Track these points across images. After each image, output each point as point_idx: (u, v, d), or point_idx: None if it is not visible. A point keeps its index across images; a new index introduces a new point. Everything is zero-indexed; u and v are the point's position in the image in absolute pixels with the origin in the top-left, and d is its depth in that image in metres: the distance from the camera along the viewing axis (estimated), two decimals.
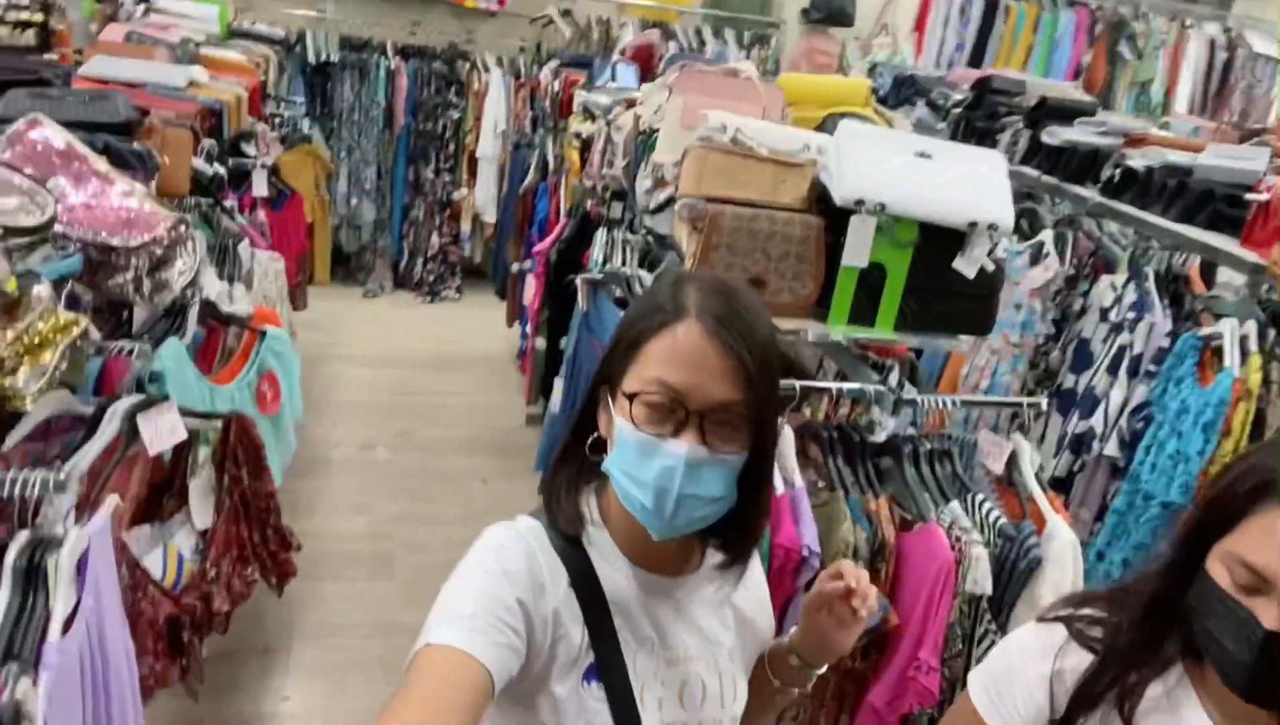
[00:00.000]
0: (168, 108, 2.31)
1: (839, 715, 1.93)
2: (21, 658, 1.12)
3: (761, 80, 2.26)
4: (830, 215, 1.95)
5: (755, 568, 1.24)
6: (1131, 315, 2.90)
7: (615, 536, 1.07)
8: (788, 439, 1.90)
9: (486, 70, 5.80)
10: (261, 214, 2.88)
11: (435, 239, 6.05)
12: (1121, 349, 2.99)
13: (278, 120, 3.58)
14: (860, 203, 1.87)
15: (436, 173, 5.95)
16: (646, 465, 0.96)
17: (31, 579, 1.17)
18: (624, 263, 2.89)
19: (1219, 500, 0.95)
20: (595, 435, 1.05)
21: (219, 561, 1.79)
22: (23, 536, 1.19)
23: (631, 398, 0.97)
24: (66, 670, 1.17)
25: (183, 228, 1.64)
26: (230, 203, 2.49)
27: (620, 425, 0.98)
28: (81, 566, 1.28)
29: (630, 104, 2.87)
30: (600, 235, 3.07)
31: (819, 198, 1.99)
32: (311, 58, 5.48)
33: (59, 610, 1.17)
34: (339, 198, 5.78)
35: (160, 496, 1.80)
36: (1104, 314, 3.04)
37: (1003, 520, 1.79)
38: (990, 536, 1.79)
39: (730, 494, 1.00)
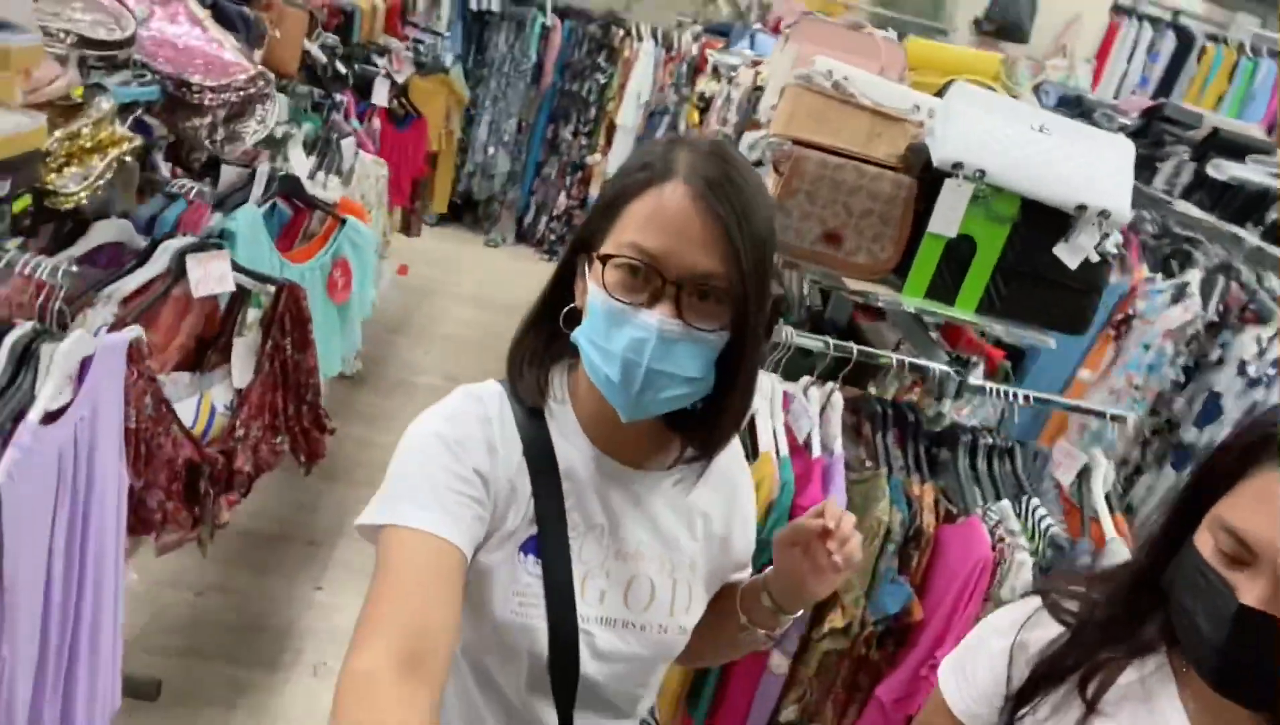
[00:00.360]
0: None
1: (848, 705, 1.80)
2: None
3: (884, 38, 2.13)
4: (926, 182, 1.81)
5: (745, 486, 1.14)
6: (1272, 371, 2.62)
7: (580, 416, 1.00)
8: (836, 406, 1.78)
9: (640, 39, 5.79)
10: (378, 122, 2.94)
11: (563, 199, 6.09)
12: (1254, 406, 2.71)
13: (419, 45, 3.65)
14: (958, 166, 1.72)
15: (574, 134, 5.99)
16: (616, 336, 0.88)
17: (25, 364, 1.19)
18: None
19: (1215, 461, 0.81)
20: (570, 307, 0.97)
21: (249, 423, 1.82)
22: (28, 325, 1.21)
23: (605, 261, 0.89)
24: (39, 460, 1.19)
25: (261, 83, 1.66)
26: (342, 99, 2.54)
27: (592, 292, 0.91)
28: (84, 374, 1.29)
29: (757, 64, 2.77)
30: None
31: (920, 165, 1.85)
32: (474, 4, 5.61)
33: (43, 399, 1.19)
34: (477, 145, 5.90)
35: (206, 349, 1.83)
36: (1242, 367, 2.76)
37: (1055, 529, 1.61)
38: (1039, 545, 1.62)
39: (706, 378, 0.92)
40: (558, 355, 1.02)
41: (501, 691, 1.01)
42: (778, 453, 1.69)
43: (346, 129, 2.59)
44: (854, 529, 1.01)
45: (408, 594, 0.81)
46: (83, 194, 1.31)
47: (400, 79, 3.25)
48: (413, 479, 0.89)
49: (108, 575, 1.47)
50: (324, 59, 2.27)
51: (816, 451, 1.72)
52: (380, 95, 2.96)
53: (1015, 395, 1.76)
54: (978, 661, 0.99)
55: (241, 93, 1.62)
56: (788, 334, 1.73)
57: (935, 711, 1.02)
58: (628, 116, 5.79)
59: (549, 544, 0.96)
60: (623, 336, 0.88)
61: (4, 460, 1.13)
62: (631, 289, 0.88)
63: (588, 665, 0.99)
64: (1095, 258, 1.75)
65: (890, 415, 1.80)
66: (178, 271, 1.62)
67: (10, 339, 1.19)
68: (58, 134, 1.28)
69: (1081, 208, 1.71)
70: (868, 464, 1.79)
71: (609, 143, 5.93)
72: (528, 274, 5.81)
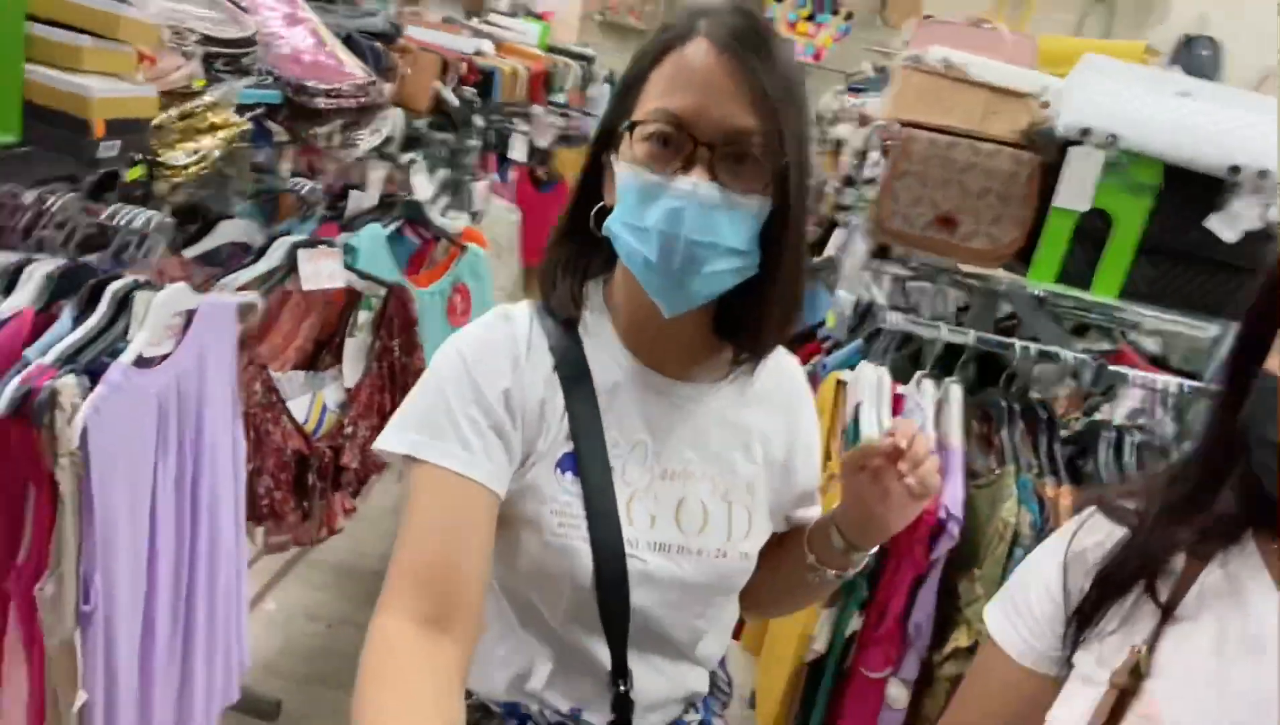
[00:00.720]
0: (436, 50, 2.54)
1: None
2: (78, 362, 1.19)
3: (1012, 33, 2.02)
4: (1055, 165, 1.66)
5: (807, 414, 1.04)
6: None
7: (619, 328, 0.94)
8: (954, 399, 1.62)
9: None
10: (513, 174, 3.05)
11: None
12: None
13: (567, 115, 3.82)
14: (1086, 133, 1.57)
15: None
16: (650, 211, 0.82)
17: (123, 310, 1.27)
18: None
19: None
20: (601, 206, 0.91)
21: (357, 421, 1.86)
22: (130, 277, 1.29)
23: (631, 130, 0.84)
24: (132, 401, 1.24)
25: (374, 91, 1.75)
26: (475, 143, 2.66)
27: (620, 173, 0.85)
28: (186, 328, 1.36)
29: None
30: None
31: (1047, 146, 1.71)
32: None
33: (137, 343, 1.25)
34: None
35: (321, 351, 1.91)
36: None
37: None
38: None
39: (750, 252, 0.84)
40: (593, 269, 0.96)
41: (548, 627, 0.94)
42: None
43: (480, 174, 2.70)
44: (929, 452, 0.89)
45: (434, 545, 0.80)
46: (191, 169, 1.40)
47: (542, 144, 3.39)
48: (437, 408, 0.85)
49: (224, 545, 1.48)
50: (456, 102, 2.40)
51: (930, 443, 1.56)
52: (518, 151, 3.10)
53: (1170, 384, 1.54)
54: (1030, 590, 0.83)
55: (355, 99, 1.72)
56: (892, 319, 1.60)
57: (989, 663, 0.85)
58: None
59: (587, 460, 0.89)
60: (657, 210, 0.81)
61: (92, 394, 1.18)
62: (662, 159, 0.82)
63: (639, 594, 0.90)
64: (1257, 225, 1.53)
65: (1018, 410, 1.61)
66: (289, 266, 1.70)
67: (113, 287, 1.27)
68: (172, 111, 1.38)
69: (1236, 169, 1.51)
70: (995, 470, 1.60)
71: None
72: None
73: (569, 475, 0.89)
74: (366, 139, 1.78)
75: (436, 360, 0.90)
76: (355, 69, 1.76)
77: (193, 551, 1.43)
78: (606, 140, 0.89)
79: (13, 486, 1.21)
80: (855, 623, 1.54)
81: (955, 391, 1.61)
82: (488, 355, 0.88)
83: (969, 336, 1.60)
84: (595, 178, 0.92)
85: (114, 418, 1.21)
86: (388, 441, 0.85)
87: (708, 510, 0.93)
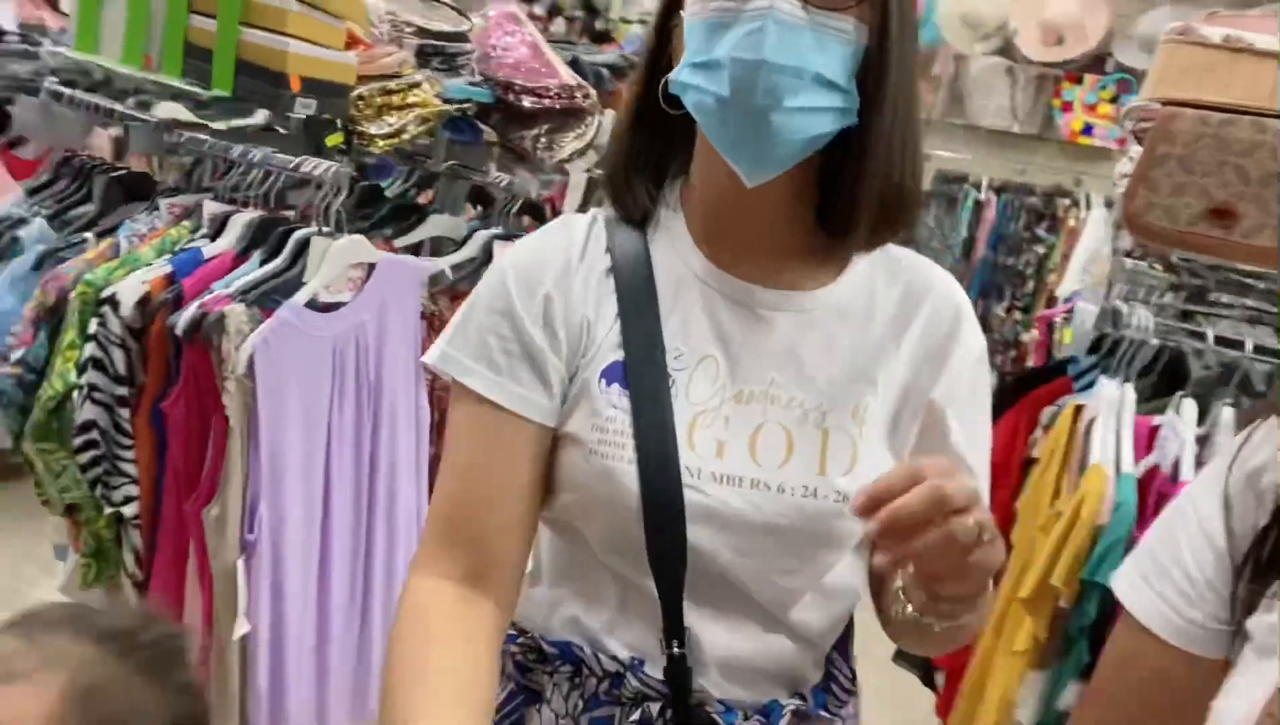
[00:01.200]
0: None
1: None
2: (250, 297, 1.25)
3: None
4: None
5: (967, 336, 0.81)
6: None
7: (694, 227, 0.80)
8: (1224, 425, 1.27)
9: (1088, 207, 5.32)
10: None
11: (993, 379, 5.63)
12: None
13: None
14: None
15: (1008, 310, 5.57)
16: (721, 41, 0.69)
17: (301, 254, 1.33)
18: None
19: None
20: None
21: None
22: (316, 228, 1.36)
23: None
24: (304, 339, 1.28)
25: (581, 95, 1.78)
26: None
27: (687, 19, 0.72)
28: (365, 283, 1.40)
29: None
30: None
31: None
32: None
33: (311, 285, 1.30)
34: None
35: None
36: None
37: None
38: None
39: (846, 91, 0.70)
40: (672, 170, 0.83)
41: (605, 565, 0.80)
42: (1118, 467, 1.23)
43: None
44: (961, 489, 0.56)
45: (464, 485, 0.76)
46: (385, 141, 1.47)
47: None
48: (469, 322, 0.78)
49: (403, 508, 1.49)
50: None
51: (1187, 474, 1.22)
52: None
53: None
54: (1179, 541, 0.58)
55: (560, 100, 1.75)
56: (1140, 319, 1.29)
57: (1127, 646, 0.58)
58: (1070, 286, 5.27)
59: (638, 370, 0.75)
60: (730, 38, 0.68)
61: (262, 326, 1.23)
62: None
63: (699, 533, 0.75)
64: None
65: None
66: (485, 258, 1.73)
67: (297, 234, 1.34)
68: (372, 85, 1.46)
69: None
70: None
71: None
72: None
73: (615, 387, 0.75)
74: (570, 143, 1.79)
75: (491, 275, 0.82)
76: (565, 75, 1.80)
77: (370, 512, 1.44)
78: (672, 4, 0.77)
79: (200, 412, 1.28)
80: (1072, 694, 1.22)
81: (1226, 416, 1.26)
82: (532, 262, 0.79)
83: (1246, 347, 1.25)
84: (662, 50, 0.78)
85: (283, 352, 1.26)
86: (429, 354, 0.79)
87: (793, 440, 0.76)
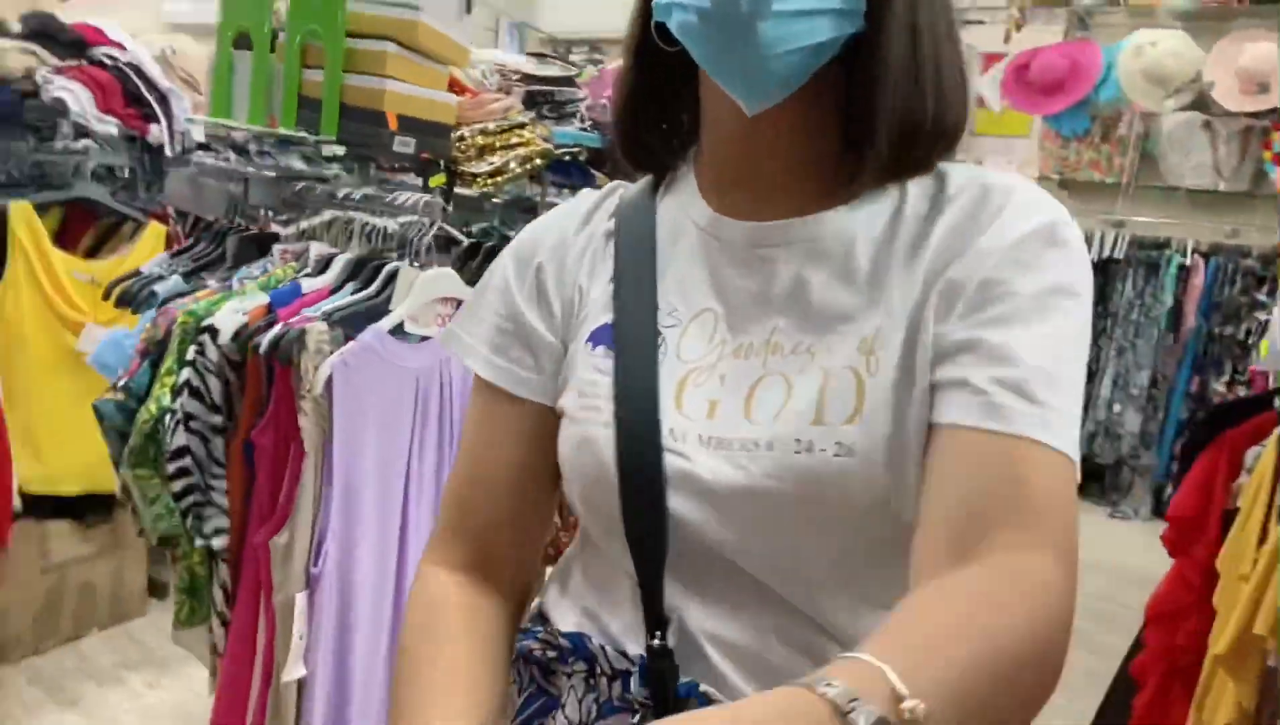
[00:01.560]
0: None
1: None
2: (334, 318, 1.25)
3: None
4: None
5: (1013, 210, 0.62)
6: None
7: (702, 178, 0.72)
8: None
9: None
10: None
11: None
12: None
13: None
14: None
15: (1229, 385, 4.96)
16: None
17: (390, 283, 1.32)
18: None
19: None
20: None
21: None
22: (403, 262, 1.36)
23: None
24: (385, 364, 1.26)
25: None
26: None
27: None
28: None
29: None
30: None
31: None
32: (1094, 255, 5.26)
33: (396, 313, 1.29)
34: (1099, 402, 5.25)
35: None
36: None
37: None
38: None
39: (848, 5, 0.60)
40: (676, 113, 0.74)
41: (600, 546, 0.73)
42: None
43: None
44: None
45: (469, 466, 0.75)
46: (488, 180, 1.47)
47: None
48: (483, 308, 0.76)
49: None
50: None
51: None
52: None
53: None
54: None
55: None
56: None
57: None
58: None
59: (625, 330, 0.68)
60: None
61: (343, 347, 1.23)
62: None
63: (683, 504, 0.63)
64: None
65: None
66: None
67: (389, 266, 1.34)
68: (473, 127, 1.48)
69: None
70: None
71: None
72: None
73: (600, 349, 0.69)
74: None
75: (501, 256, 0.79)
76: None
77: None
78: None
79: (284, 438, 1.28)
80: None
81: None
82: (530, 237, 0.77)
83: None
84: None
85: (363, 376, 1.24)
86: (447, 339, 0.80)
87: (791, 389, 0.62)
